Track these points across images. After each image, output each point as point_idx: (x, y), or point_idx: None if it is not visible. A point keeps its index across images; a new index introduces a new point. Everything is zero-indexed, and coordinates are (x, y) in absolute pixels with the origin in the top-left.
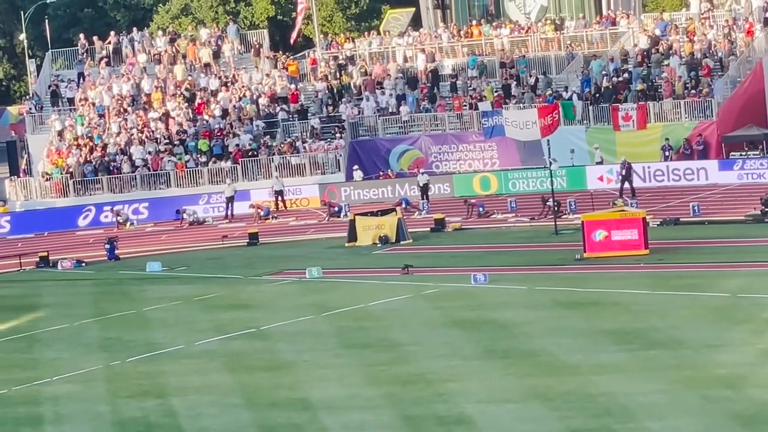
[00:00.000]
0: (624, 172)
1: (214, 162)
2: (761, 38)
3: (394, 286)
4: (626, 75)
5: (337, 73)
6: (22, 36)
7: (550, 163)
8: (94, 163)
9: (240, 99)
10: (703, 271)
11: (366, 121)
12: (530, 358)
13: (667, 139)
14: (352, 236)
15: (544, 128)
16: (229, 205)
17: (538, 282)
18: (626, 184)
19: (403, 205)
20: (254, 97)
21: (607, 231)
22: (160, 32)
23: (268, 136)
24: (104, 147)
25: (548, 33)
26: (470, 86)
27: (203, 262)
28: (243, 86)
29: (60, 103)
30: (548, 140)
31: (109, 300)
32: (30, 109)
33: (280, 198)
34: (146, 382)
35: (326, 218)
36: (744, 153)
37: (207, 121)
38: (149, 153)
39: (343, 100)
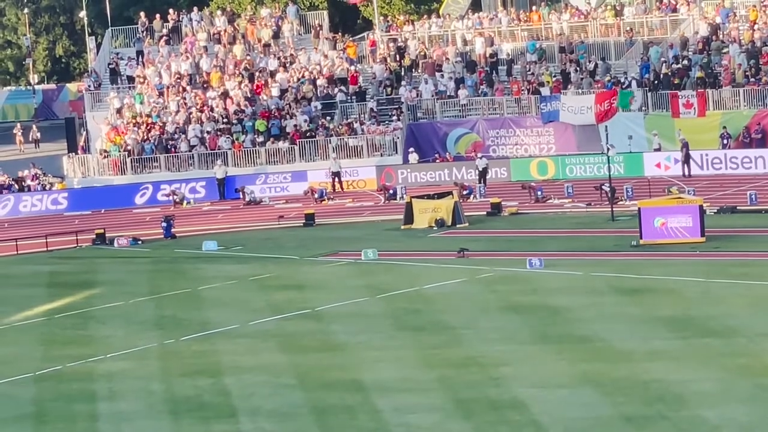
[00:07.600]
0: (684, 153)
1: (272, 143)
2: None
3: (449, 270)
4: (685, 62)
5: (396, 56)
6: (83, 13)
7: (608, 149)
8: (152, 141)
9: (298, 80)
10: (759, 259)
11: (424, 104)
12: (584, 343)
13: (725, 127)
14: (409, 219)
15: (599, 114)
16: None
17: (593, 268)
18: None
19: (468, 192)
20: (312, 78)
21: (664, 218)
22: (219, 12)
23: (327, 117)
24: (162, 125)
25: (608, 19)
26: (529, 71)
27: (259, 242)
28: (302, 67)
29: (119, 81)
30: (606, 126)
31: (165, 278)
32: (89, 86)
33: (337, 179)
34: (200, 360)
35: (383, 200)
36: None
37: (265, 102)
38: (207, 132)
39: (402, 82)
